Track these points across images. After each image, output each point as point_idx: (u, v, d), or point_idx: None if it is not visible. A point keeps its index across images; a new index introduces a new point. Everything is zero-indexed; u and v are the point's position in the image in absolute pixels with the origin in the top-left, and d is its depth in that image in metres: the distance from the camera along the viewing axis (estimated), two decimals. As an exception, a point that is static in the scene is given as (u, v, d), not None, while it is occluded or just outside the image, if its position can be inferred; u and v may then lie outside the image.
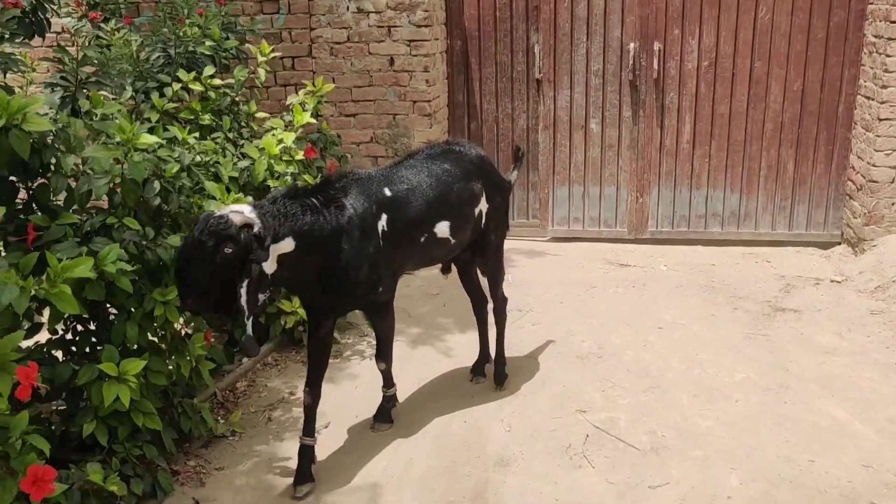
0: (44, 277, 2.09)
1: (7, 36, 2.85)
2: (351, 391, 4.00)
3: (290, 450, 3.44)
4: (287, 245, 2.90)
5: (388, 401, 3.65)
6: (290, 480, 3.22)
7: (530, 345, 4.47)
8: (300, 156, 4.11)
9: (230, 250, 2.70)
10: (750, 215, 6.17)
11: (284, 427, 3.67)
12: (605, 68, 6.04)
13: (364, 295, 3.22)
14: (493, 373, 4.01)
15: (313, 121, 4.41)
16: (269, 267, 2.83)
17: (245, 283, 2.73)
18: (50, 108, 3.02)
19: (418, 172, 3.44)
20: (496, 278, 3.94)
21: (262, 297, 2.81)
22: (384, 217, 3.22)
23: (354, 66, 5.83)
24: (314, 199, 3.06)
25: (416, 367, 4.16)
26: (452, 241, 3.51)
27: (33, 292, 2.11)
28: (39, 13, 3.07)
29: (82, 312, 2.88)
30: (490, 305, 4.02)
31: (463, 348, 4.41)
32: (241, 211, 2.80)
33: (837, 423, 3.55)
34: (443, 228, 3.43)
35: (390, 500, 3.09)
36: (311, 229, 2.98)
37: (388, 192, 3.28)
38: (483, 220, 3.67)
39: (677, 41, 5.91)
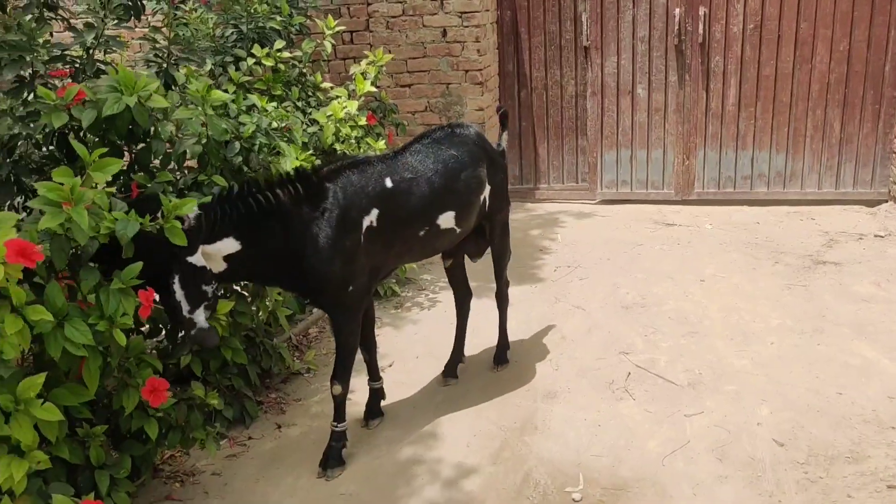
0: (158, 215, 2.49)
1: (115, 21, 3.26)
2: (411, 335, 4.38)
3: (356, 385, 3.81)
4: (229, 246, 2.79)
5: (338, 439, 3.20)
6: (358, 409, 3.61)
7: (578, 297, 4.77)
8: (363, 121, 4.46)
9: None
10: (796, 175, 6.31)
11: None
12: (650, 34, 6.23)
13: (334, 291, 3.02)
14: (494, 354, 3.96)
15: (374, 89, 4.75)
16: (214, 264, 2.77)
17: (176, 279, 2.66)
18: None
19: (424, 159, 3.26)
20: (502, 258, 3.80)
21: (208, 288, 2.74)
22: (374, 212, 3.03)
23: (409, 38, 6.15)
24: (281, 191, 2.90)
25: (471, 318, 4.50)
26: (458, 230, 3.37)
27: (149, 228, 2.50)
28: (137, -2, 3.47)
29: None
30: (495, 293, 3.93)
31: (514, 301, 4.68)
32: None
33: (866, 361, 3.78)
34: (447, 219, 3.28)
35: (448, 427, 3.45)
36: (259, 229, 2.84)
37: (388, 183, 3.10)
38: (488, 204, 3.52)
39: (722, 5, 6.06)
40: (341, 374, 3.18)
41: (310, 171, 3.03)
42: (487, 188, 3.50)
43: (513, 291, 4.86)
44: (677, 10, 6.10)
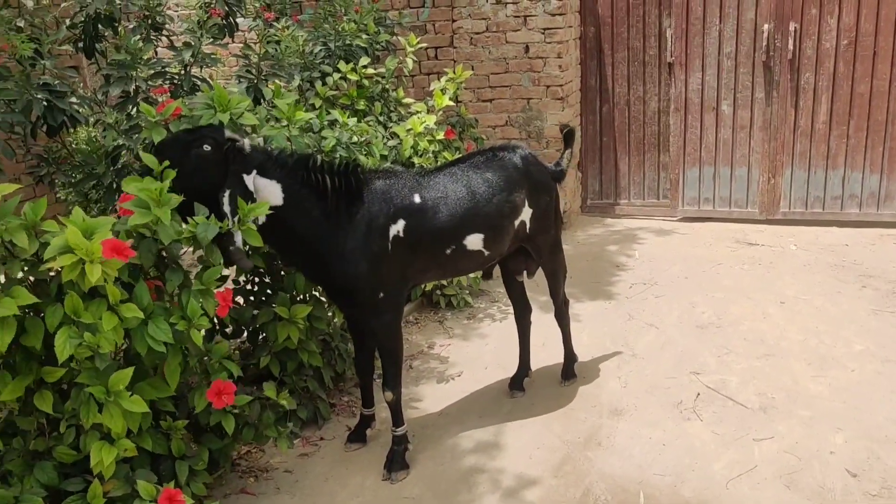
0: (235, 219, 2.67)
1: (210, 39, 3.51)
2: (481, 347, 4.46)
3: (425, 392, 3.95)
4: (275, 193, 2.90)
5: (399, 442, 3.31)
6: (424, 416, 3.71)
7: (652, 314, 4.74)
8: (441, 136, 4.59)
9: (208, 148, 2.76)
10: (891, 196, 6.08)
11: (422, 374, 4.17)
12: (737, 50, 6.13)
13: (365, 295, 3.10)
14: (562, 368, 3.98)
15: (452, 104, 4.87)
16: (268, 189, 2.88)
17: (227, 192, 2.74)
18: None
19: (456, 181, 3.30)
20: (556, 277, 3.79)
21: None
22: (401, 223, 3.10)
23: (492, 54, 6.26)
24: (329, 176, 3.01)
25: (542, 330, 4.53)
26: (486, 253, 3.37)
27: (227, 228, 2.69)
28: (230, 17, 3.72)
29: (261, 265, 3.54)
30: (550, 313, 3.94)
31: (587, 316, 4.75)
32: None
33: (954, 394, 3.62)
34: (474, 241, 3.30)
35: (512, 438, 3.51)
36: (302, 197, 2.95)
37: (416, 199, 3.17)
38: (528, 226, 3.53)
39: (814, 20, 5.91)
40: (391, 381, 3.26)
41: (356, 170, 3.11)
42: (528, 211, 3.50)
43: (586, 307, 4.90)
44: (766, 26, 5.98)
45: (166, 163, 2.61)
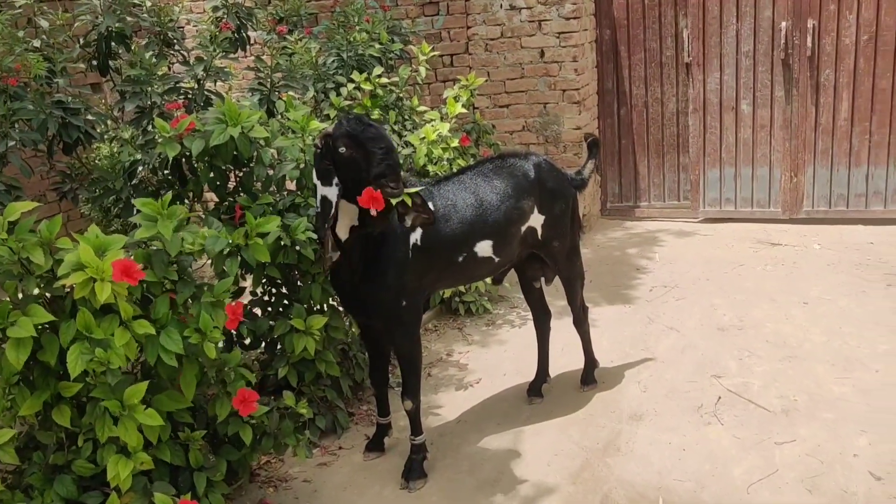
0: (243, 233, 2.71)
1: (222, 53, 3.55)
2: (500, 353, 4.44)
3: (443, 400, 3.95)
4: (333, 196, 2.92)
5: (417, 451, 3.32)
6: (442, 424, 3.71)
7: (673, 317, 4.70)
8: (455, 143, 4.59)
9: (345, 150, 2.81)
10: (918, 192, 5.96)
11: (441, 382, 4.17)
12: (755, 48, 6.06)
13: (388, 304, 3.13)
14: (581, 374, 3.97)
15: (465, 111, 4.87)
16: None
17: (320, 196, 2.88)
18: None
19: (464, 189, 3.32)
20: (572, 284, 3.77)
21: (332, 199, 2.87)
22: (419, 231, 3.12)
23: (507, 59, 6.25)
24: None
25: (562, 335, 4.51)
26: (496, 259, 3.39)
27: (236, 242, 2.72)
28: (242, 31, 3.76)
29: (277, 276, 3.56)
30: (571, 318, 3.91)
31: (607, 321, 4.72)
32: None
33: (982, 394, 3.54)
34: (484, 248, 3.32)
35: (530, 445, 3.49)
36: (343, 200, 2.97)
37: (430, 208, 3.14)
38: (540, 233, 3.53)
39: (833, 16, 5.83)
40: (410, 390, 3.28)
41: None
42: (538, 218, 3.50)
43: (605, 311, 4.87)
44: (784, 24, 5.91)
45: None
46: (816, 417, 3.48)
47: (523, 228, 3.46)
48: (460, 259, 3.29)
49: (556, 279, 3.83)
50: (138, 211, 2.89)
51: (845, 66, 5.89)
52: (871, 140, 5.96)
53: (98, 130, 3.52)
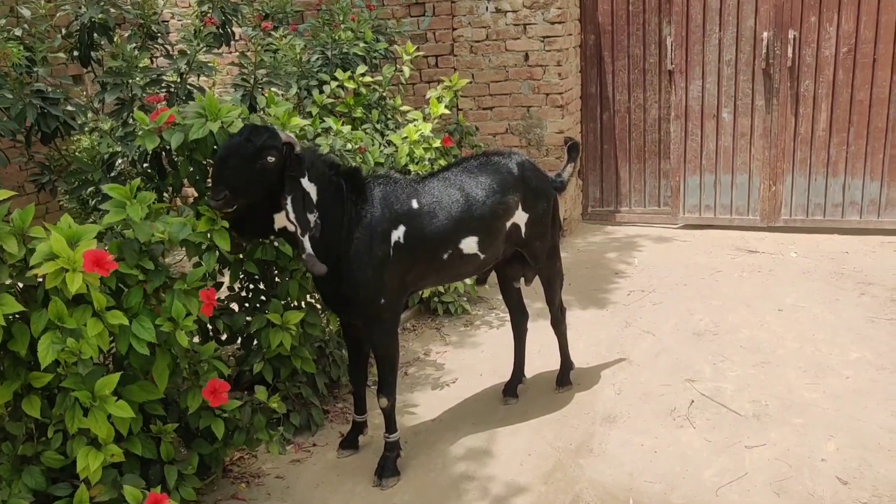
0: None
1: (205, 48, 3.54)
2: (477, 354, 4.46)
3: (420, 399, 3.96)
4: (313, 193, 2.96)
5: (391, 449, 3.32)
6: (420, 422, 3.72)
7: (649, 322, 4.74)
8: (437, 143, 4.60)
9: (272, 159, 2.79)
10: (892, 203, 6.05)
11: (417, 381, 4.18)
12: (737, 58, 6.13)
13: (366, 301, 3.12)
14: (557, 376, 3.98)
15: (447, 112, 4.89)
16: (312, 191, 2.94)
17: (290, 198, 2.83)
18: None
19: (450, 185, 3.33)
20: (552, 284, 3.80)
21: (311, 217, 2.90)
22: (401, 229, 3.14)
23: (492, 62, 6.28)
24: (343, 180, 3.11)
25: (538, 337, 4.53)
26: (482, 256, 3.39)
27: (200, 229, 2.74)
28: (227, 27, 3.75)
29: (255, 272, 3.55)
30: (548, 320, 3.95)
31: (584, 323, 4.75)
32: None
33: (949, 402, 3.60)
34: (470, 244, 3.32)
35: (503, 445, 3.51)
36: (325, 196, 3.02)
37: (414, 205, 3.20)
38: (523, 231, 3.54)
39: (814, 28, 5.91)
40: (386, 388, 3.27)
41: (363, 176, 3.20)
42: (523, 216, 3.51)
43: (583, 314, 4.90)
44: (766, 34, 5.98)
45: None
46: (787, 422, 3.52)
47: (508, 224, 3.47)
48: (445, 256, 3.29)
49: (536, 281, 3.85)
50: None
51: (825, 77, 5.97)
52: (849, 151, 6.04)
53: (78, 122, 3.49)
